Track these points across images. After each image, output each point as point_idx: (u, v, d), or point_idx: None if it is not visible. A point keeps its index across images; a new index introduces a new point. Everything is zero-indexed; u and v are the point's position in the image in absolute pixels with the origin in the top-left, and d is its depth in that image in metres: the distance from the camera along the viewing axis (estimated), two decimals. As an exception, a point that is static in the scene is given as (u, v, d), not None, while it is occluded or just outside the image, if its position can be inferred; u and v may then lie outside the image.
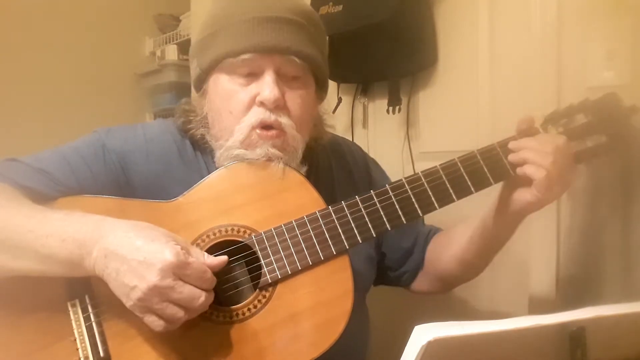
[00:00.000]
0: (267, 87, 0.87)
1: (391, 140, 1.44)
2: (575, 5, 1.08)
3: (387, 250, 1.08)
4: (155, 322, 0.75)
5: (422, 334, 0.56)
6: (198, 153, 0.97)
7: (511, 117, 1.17)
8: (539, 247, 1.12)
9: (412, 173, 1.35)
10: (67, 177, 0.89)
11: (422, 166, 1.37)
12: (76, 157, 0.91)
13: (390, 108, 1.37)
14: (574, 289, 1.09)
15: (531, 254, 1.14)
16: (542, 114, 0.92)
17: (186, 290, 0.74)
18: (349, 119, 1.51)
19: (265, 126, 0.88)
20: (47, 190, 0.87)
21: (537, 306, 1.13)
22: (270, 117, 0.88)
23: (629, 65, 1.00)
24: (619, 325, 0.65)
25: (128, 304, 0.75)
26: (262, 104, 0.88)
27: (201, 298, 0.75)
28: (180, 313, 0.74)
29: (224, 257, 0.81)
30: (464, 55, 1.27)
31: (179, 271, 0.74)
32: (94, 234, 0.76)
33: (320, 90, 0.98)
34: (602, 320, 0.63)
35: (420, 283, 1.09)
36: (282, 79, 0.89)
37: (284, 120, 0.88)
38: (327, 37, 1.02)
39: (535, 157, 0.84)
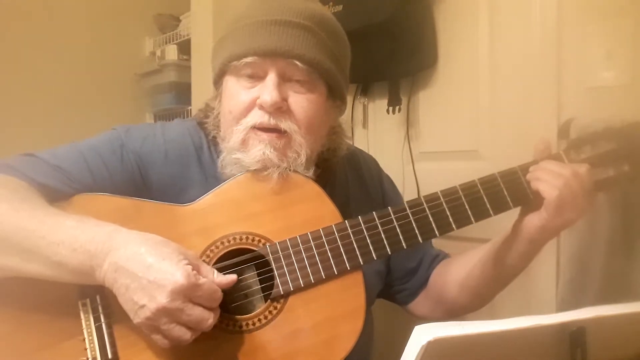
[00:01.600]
0: (266, 90, 0.86)
1: (391, 140, 1.44)
2: (575, 6, 1.08)
3: (392, 266, 1.07)
4: (160, 341, 0.75)
5: (422, 334, 0.56)
6: (214, 154, 0.95)
7: (511, 117, 1.18)
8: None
9: (412, 173, 1.37)
10: (84, 174, 0.88)
11: (422, 166, 1.39)
12: (94, 155, 0.90)
13: (390, 108, 1.37)
14: (573, 291, 1.09)
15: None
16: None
17: (195, 313, 0.73)
18: (349, 119, 1.51)
19: (265, 129, 0.88)
20: (63, 188, 0.86)
21: (536, 309, 1.13)
22: (270, 121, 0.87)
23: (629, 65, 1.00)
24: (619, 325, 0.65)
25: (136, 321, 0.74)
26: (261, 107, 0.87)
27: (210, 320, 0.74)
28: (187, 335, 0.74)
29: (233, 276, 0.79)
30: (464, 55, 1.27)
31: (190, 293, 0.73)
32: (105, 246, 0.75)
33: (334, 97, 0.95)
34: (602, 320, 0.63)
35: (421, 305, 1.08)
36: (287, 82, 0.88)
37: (285, 125, 0.87)
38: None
39: (549, 176, 0.83)
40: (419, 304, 1.08)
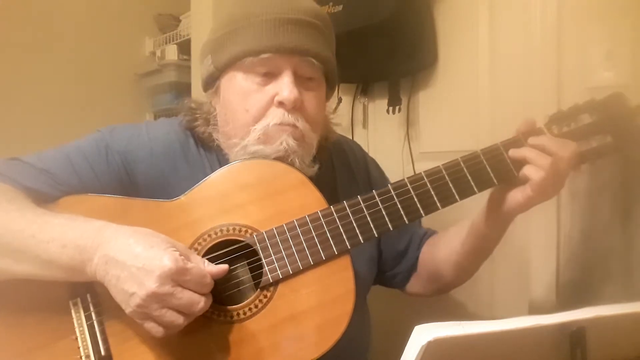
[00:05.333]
0: (285, 87, 0.88)
1: (391, 140, 1.44)
2: (575, 6, 1.08)
3: (383, 249, 1.08)
4: (154, 329, 0.75)
5: (422, 334, 0.56)
6: (202, 151, 0.96)
7: (511, 117, 1.18)
8: (539, 249, 1.12)
9: (412, 173, 1.36)
10: (70, 177, 0.88)
11: (422, 166, 1.38)
12: (79, 157, 0.91)
13: (390, 108, 1.37)
14: (573, 291, 1.09)
15: (531, 257, 1.14)
16: (545, 114, 0.92)
17: (185, 296, 0.74)
18: (349, 119, 1.51)
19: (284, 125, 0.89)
20: (50, 191, 0.86)
21: (536, 309, 1.13)
22: (290, 119, 0.88)
23: (629, 66, 1.00)
24: (619, 325, 0.65)
25: (127, 310, 0.75)
26: (280, 104, 0.88)
27: (200, 303, 0.75)
28: (179, 320, 0.74)
29: (225, 266, 0.80)
30: (464, 55, 1.27)
31: (178, 277, 0.73)
32: (95, 240, 0.76)
33: (329, 90, 0.99)
34: (602, 320, 0.63)
35: (414, 285, 1.09)
36: (297, 80, 0.90)
37: (300, 124, 0.89)
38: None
39: (536, 157, 0.84)
40: (413, 284, 1.10)
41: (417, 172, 1.34)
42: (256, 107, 0.89)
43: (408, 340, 0.57)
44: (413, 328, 0.57)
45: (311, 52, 0.89)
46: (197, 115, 0.96)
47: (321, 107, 0.94)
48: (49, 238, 0.77)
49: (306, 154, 0.90)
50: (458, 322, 0.58)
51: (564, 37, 1.09)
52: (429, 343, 0.55)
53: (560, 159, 0.83)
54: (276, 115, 0.88)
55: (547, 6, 1.10)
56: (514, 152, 0.87)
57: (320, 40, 0.91)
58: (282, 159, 0.88)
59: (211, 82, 0.96)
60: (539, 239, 1.12)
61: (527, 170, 0.84)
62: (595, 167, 0.96)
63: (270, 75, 0.90)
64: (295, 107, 0.89)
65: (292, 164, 0.88)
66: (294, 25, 0.89)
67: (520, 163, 0.86)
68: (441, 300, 1.15)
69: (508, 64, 1.19)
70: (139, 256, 0.74)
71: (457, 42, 1.29)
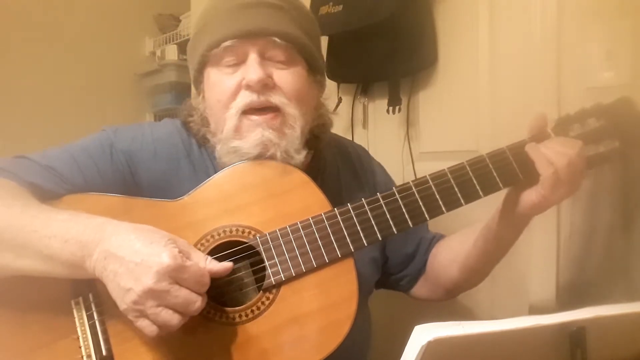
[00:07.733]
0: (250, 69, 0.87)
1: (391, 140, 1.44)
2: (575, 6, 1.08)
3: (389, 253, 1.08)
4: (148, 328, 0.74)
5: (422, 334, 0.56)
6: (204, 152, 0.96)
7: (511, 117, 1.18)
8: (539, 250, 1.12)
9: (413, 173, 1.37)
10: (74, 175, 0.88)
11: (422, 166, 1.39)
12: (84, 155, 0.91)
13: (390, 108, 1.37)
14: (573, 292, 1.09)
15: (531, 259, 1.14)
16: (550, 118, 0.91)
17: (182, 295, 0.73)
18: (349, 119, 1.51)
19: (258, 109, 0.88)
20: (54, 188, 0.86)
21: (536, 309, 1.13)
22: (260, 98, 0.87)
23: (629, 66, 1.00)
24: (619, 325, 0.66)
25: (122, 307, 0.74)
26: (248, 86, 0.88)
27: (197, 303, 0.74)
28: (174, 319, 0.73)
29: (229, 264, 0.79)
30: (464, 55, 1.27)
31: (176, 274, 0.73)
32: (96, 235, 0.76)
33: (315, 73, 0.96)
34: (602, 320, 0.63)
35: (421, 289, 1.09)
36: (268, 62, 0.89)
37: (275, 98, 0.88)
38: (325, 34, 1.01)
39: (551, 154, 0.83)
40: (419, 288, 1.09)
41: (417, 172, 1.36)
42: (226, 95, 0.89)
43: (408, 340, 0.57)
44: (413, 328, 0.57)
45: (271, 31, 0.88)
46: (191, 120, 0.96)
47: (301, 84, 0.91)
48: (51, 234, 0.77)
49: (289, 143, 0.88)
50: (458, 322, 0.58)
51: (564, 37, 1.09)
52: (429, 343, 0.55)
53: (574, 157, 0.82)
54: (245, 97, 0.88)
55: (547, 6, 1.10)
56: (530, 148, 0.85)
57: (284, 19, 0.90)
58: (261, 154, 0.87)
59: (197, 84, 0.97)
60: (539, 239, 1.12)
61: (542, 169, 0.83)
62: (596, 169, 0.96)
63: (239, 64, 0.90)
64: (268, 86, 0.88)
65: (273, 157, 0.87)
66: (252, 8, 0.89)
67: (528, 166, 0.85)
68: (442, 303, 1.15)
69: (508, 64, 1.19)
70: (138, 252, 0.73)
71: (457, 42, 1.29)
